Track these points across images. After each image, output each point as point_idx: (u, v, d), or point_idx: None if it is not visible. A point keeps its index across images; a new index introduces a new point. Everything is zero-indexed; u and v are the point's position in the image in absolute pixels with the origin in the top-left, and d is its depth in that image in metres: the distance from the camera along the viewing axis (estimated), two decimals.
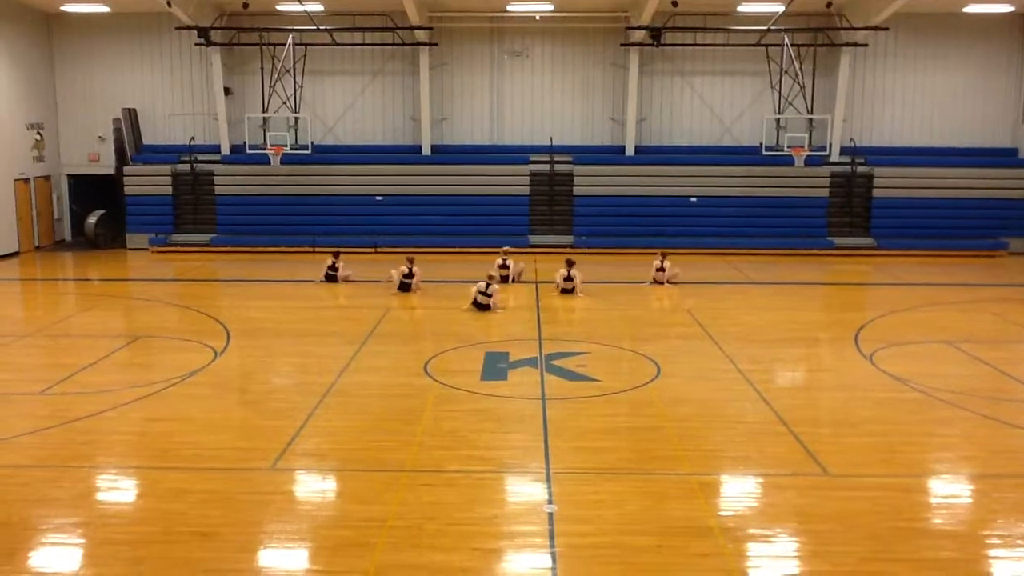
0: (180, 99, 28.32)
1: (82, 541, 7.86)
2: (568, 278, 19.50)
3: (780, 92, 26.50)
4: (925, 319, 17.38)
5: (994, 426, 10.94)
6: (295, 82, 26.95)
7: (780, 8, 24.39)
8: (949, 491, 9.15)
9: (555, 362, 13.75)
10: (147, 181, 27.32)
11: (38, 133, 27.22)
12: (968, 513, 8.62)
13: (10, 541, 7.77)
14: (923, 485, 9.21)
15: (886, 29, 26.05)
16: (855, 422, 11.02)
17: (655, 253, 21.46)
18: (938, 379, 12.81)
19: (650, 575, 7.19)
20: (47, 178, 27.81)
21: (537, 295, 19.33)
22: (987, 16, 26.94)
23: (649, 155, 27.72)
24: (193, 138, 27.96)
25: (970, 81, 27.68)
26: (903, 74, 27.75)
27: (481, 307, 17.60)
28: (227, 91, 27.50)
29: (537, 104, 28.24)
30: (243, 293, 20.57)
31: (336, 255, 21.33)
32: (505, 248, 21.84)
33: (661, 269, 20.77)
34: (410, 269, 19.63)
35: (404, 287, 19.49)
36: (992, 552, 7.72)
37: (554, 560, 7.41)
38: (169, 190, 27.40)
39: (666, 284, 20.64)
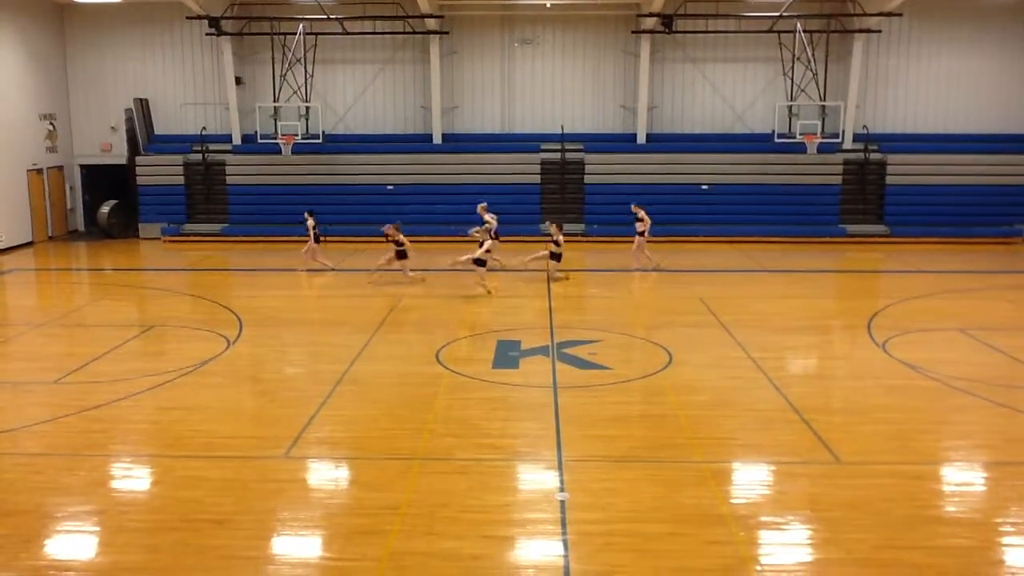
0: (191, 89, 28.36)
1: (97, 528, 7.93)
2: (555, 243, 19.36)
3: (792, 79, 26.34)
4: (939, 306, 17.29)
5: (1008, 414, 10.89)
6: (306, 71, 26.95)
7: None
8: (963, 479, 9.12)
9: (566, 350, 13.75)
10: (159, 171, 27.39)
11: (51, 124, 27.32)
12: (982, 501, 8.59)
13: (26, 529, 7.84)
14: (936, 473, 9.19)
15: (899, 15, 25.83)
16: (868, 410, 10.98)
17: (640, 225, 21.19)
18: (952, 367, 12.74)
19: (662, 562, 7.20)
20: (60, 168, 27.92)
21: (548, 283, 19.30)
22: (1001, 0, 26.67)
23: (660, 143, 27.61)
24: (205, 128, 28.00)
25: (984, 66, 27.42)
26: (916, 60, 27.52)
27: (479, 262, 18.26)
28: (238, 80, 27.52)
29: (548, 92, 28.16)
30: (255, 282, 20.63)
31: (310, 213, 21.23)
32: (387, 227, 19.56)
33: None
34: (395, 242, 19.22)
35: (401, 255, 19.11)
36: (1006, 540, 7.70)
37: (566, 548, 7.43)
38: (181, 180, 27.48)
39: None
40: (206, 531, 7.75)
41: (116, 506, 8.38)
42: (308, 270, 21.09)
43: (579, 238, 25.86)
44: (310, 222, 21.04)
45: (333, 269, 21.13)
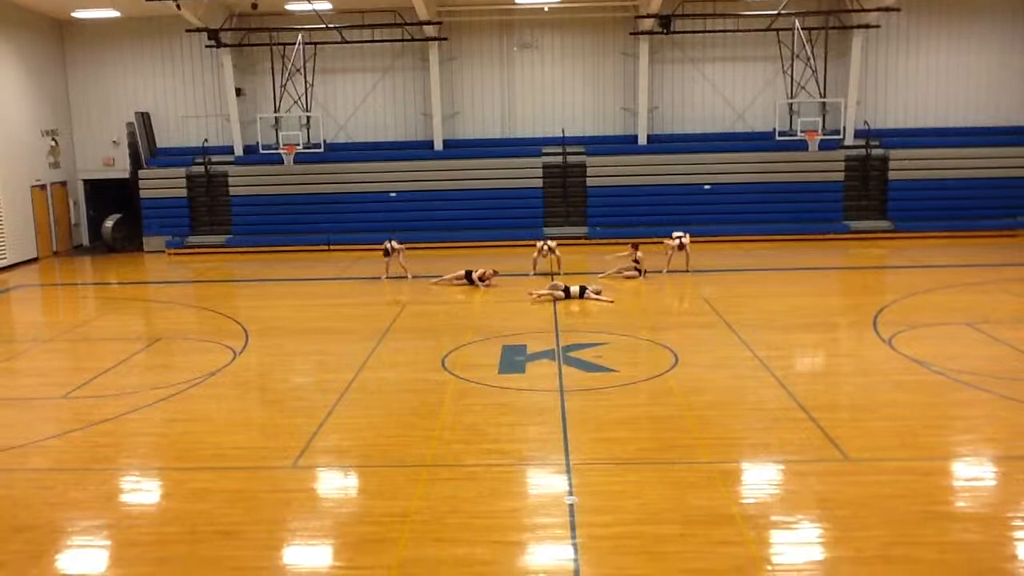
0: (192, 101, 28.46)
1: (107, 543, 7.93)
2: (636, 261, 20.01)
3: (792, 76, 26.34)
4: (944, 301, 17.25)
5: (1016, 407, 10.85)
6: (306, 81, 27.02)
7: None
8: (972, 473, 9.09)
9: (572, 354, 13.74)
10: (162, 184, 27.49)
11: (53, 139, 27.42)
12: (991, 495, 8.56)
13: (36, 544, 7.85)
14: (945, 468, 9.15)
15: (898, 10, 25.83)
16: (875, 406, 10.96)
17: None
18: (958, 361, 12.71)
19: (672, 564, 7.19)
20: (63, 184, 28.02)
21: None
22: None
23: (662, 144, 27.63)
24: (206, 140, 28.09)
25: (984, 59, 27.40)
26: (916, 54, 27.51)
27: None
28: (239, 92, 27.60)
29: (548, 96, 28.20)
30: (260, 293, 20.66)
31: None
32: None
33: (636, 262, 20.26)
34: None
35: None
36: (1017, 534, 7.67)
37: (576, 551, 7.42)
38: (184, 192, 27.57)
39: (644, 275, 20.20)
40: (216, 543, 7.75)
41: (125, 520, 8.39)
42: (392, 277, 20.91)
43: (582, 241, 25.89)
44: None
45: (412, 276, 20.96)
